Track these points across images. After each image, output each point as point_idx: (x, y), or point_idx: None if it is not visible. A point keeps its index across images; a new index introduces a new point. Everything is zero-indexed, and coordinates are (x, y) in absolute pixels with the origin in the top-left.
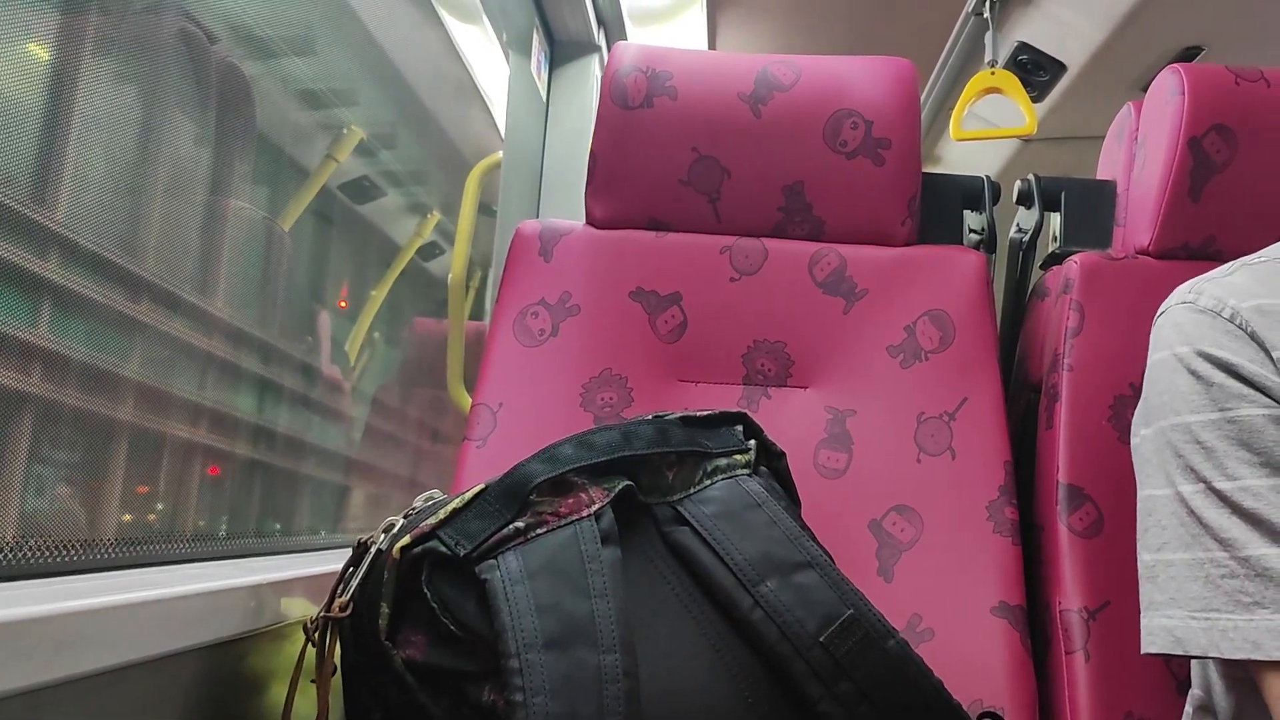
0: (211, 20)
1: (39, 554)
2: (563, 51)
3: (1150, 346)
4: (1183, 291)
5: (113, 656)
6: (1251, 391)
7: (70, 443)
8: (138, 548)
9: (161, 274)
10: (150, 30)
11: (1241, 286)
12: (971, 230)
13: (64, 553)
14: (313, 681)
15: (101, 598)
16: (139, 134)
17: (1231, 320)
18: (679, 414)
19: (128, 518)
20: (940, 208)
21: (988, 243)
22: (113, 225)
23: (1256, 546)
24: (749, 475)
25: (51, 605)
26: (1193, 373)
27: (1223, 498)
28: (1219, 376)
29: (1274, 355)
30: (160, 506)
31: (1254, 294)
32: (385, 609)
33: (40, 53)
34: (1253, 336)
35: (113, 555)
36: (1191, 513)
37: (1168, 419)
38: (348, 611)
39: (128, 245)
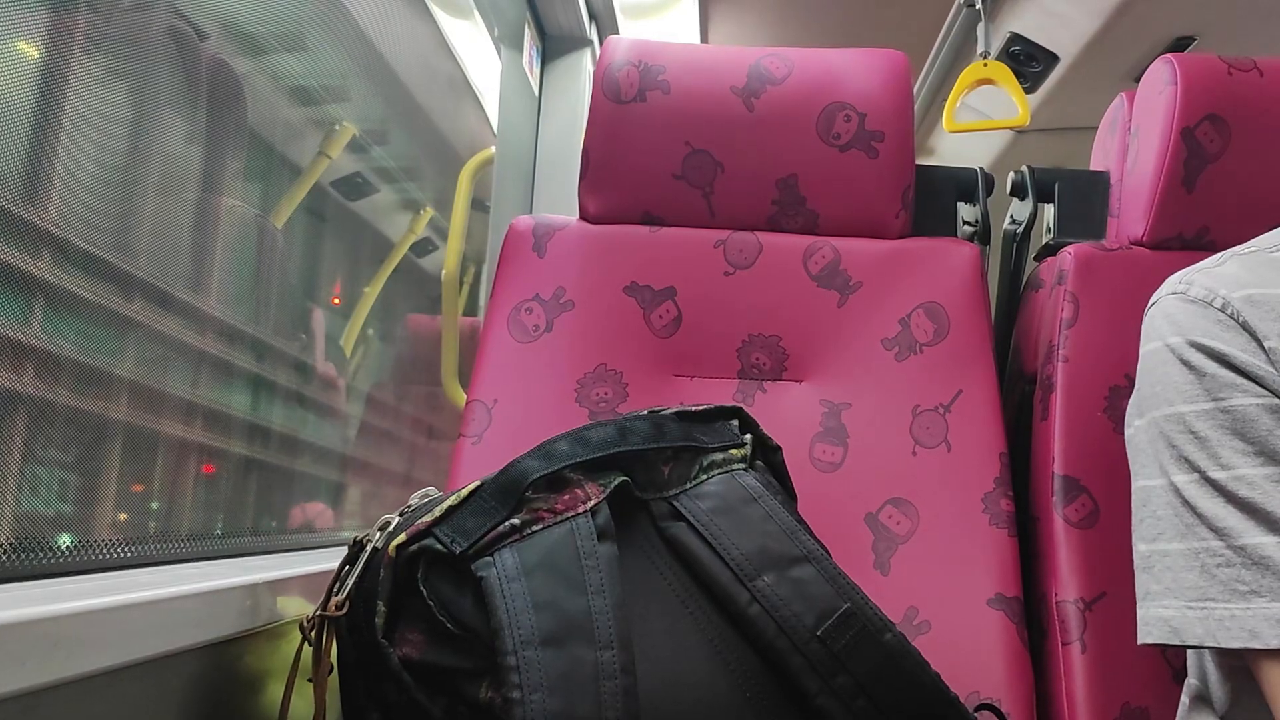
0: (201, 17)
1: (33, 555)
2: (555, 46)
3: (1142, 338)
4: (1173, 282)
5: (109, 658)
6: (1244, 381)
7: (63, 442)
8: (133, 547)
9: (153, 272)
10: (140, 27)
11: (1232, 277)
12: (965, 222)
13: (58, 554)
14: (310, 680)
15: (97, 599)
16: (129, 132)
17: (1223, 310)
18: (674, 409)
19: (123, 517)
20: (934, 200)
21: (982, 234)
22: (104, 224)
23: (1252, 535)
24: (745, 470)
25: (47, 607)
26: (1185, 363)
27: (1217, 487)
28: (1211, 366)
29: (1266, 345)
30: (155, 505)
31: (1244, 284)
32: (382, 607)
33: (29, 50)
34: (1244, 326)
35: (108, 555)
36: (1186, 502)
37: (1161, 409)
38: (344, 610)
39: (119, 244)
